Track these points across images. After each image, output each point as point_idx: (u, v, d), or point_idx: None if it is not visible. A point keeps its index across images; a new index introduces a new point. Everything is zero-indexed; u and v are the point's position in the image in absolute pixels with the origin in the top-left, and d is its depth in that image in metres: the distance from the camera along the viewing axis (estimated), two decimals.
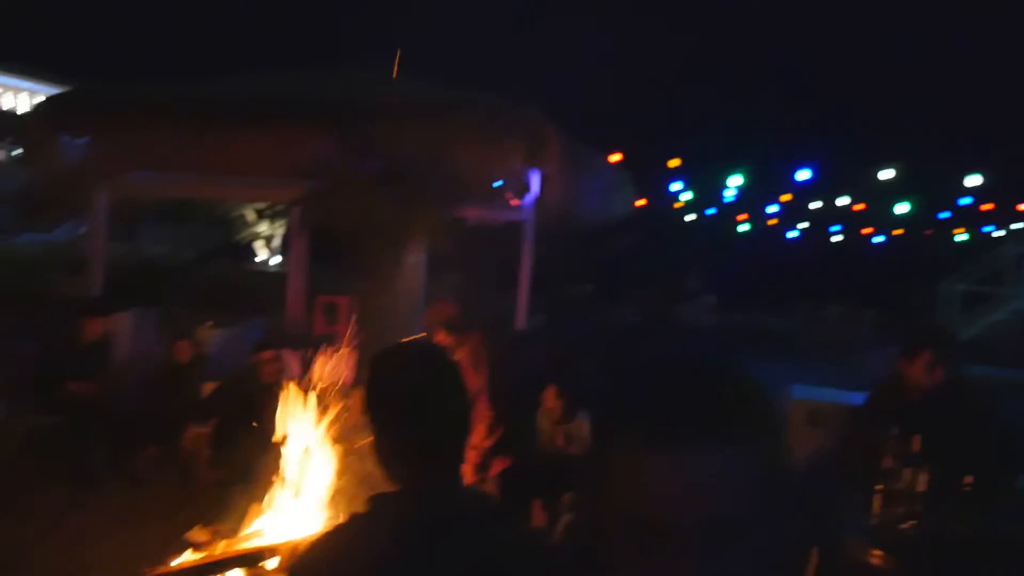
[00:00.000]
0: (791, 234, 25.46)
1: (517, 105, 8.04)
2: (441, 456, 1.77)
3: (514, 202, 8.17)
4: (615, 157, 11.26)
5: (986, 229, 24.31)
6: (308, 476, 3.95)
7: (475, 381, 4.66)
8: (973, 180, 19.86)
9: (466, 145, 7.64)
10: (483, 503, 1.90)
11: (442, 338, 4.99)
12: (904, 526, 3.58)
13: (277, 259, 22.77)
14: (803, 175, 18.33)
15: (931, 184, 20.74)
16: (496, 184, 8.08)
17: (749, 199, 21.20)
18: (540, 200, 8.55)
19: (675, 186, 18.67)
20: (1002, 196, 20.91)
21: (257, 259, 23.38)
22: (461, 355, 4.95)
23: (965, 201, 21.18)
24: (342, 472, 3.90)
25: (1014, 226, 24.26)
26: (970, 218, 22.71)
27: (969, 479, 3.79)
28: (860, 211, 22.35)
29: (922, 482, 3.80)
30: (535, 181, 8.42)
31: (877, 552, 3.31)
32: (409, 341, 1.97)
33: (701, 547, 0.83)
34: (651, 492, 0.84)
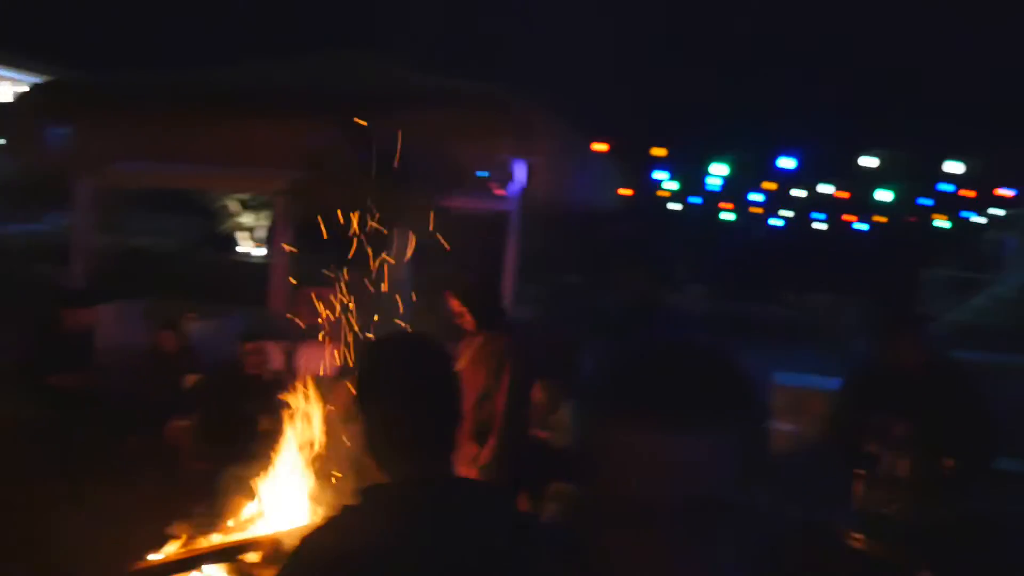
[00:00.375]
0: (775, 222, 25.59)
1: (504, 93, 8.02)
2: (434, 446, 1.77)
3: (499, 192, 8.16)
4: (602, 146, 11.27)
5: (967, 215, 24.54)
6: (294, 468, 3.96)
7: (485, 376, 4.51)
8: (953, 167, 20.03)
9: (452, 134, 7.62)
10: (477, 492, 1.90)
11: (457, 308, 4.77)
12: (886, 510, 3.63)
13: (262, 250, 22.71)
14: (787, 163, 18.42)
15: (913, 171, 20.89)
16: (481, 174, 8.07)
17: (734, 188, 21.30)
18: (527, 189, 8.54)
19: (660, 175, 18.74)
20: (982, 183, 21.09)
21: (241, 250, 23.31)
22: (476, 343, 4.71)
23: (946, 188, 21.36)
24: (329, 465, 3.91)
25: (993, 212, 24.49)
26: (952, 205, 22.90)
27: (951, 462, 3.84)
28: (844, 199, 22.51)
29: (904, 466, 3.85)
30: (522, 170, 8.41)
31: (859, 536, 3.36)
32: (402, 331, 1.99)
33: (687, 527, 0.85)
34: (639, 472, 0.86)
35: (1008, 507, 4.20)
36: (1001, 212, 24.59)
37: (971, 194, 21.73)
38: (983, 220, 25.11)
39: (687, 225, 23.57)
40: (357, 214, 6.69)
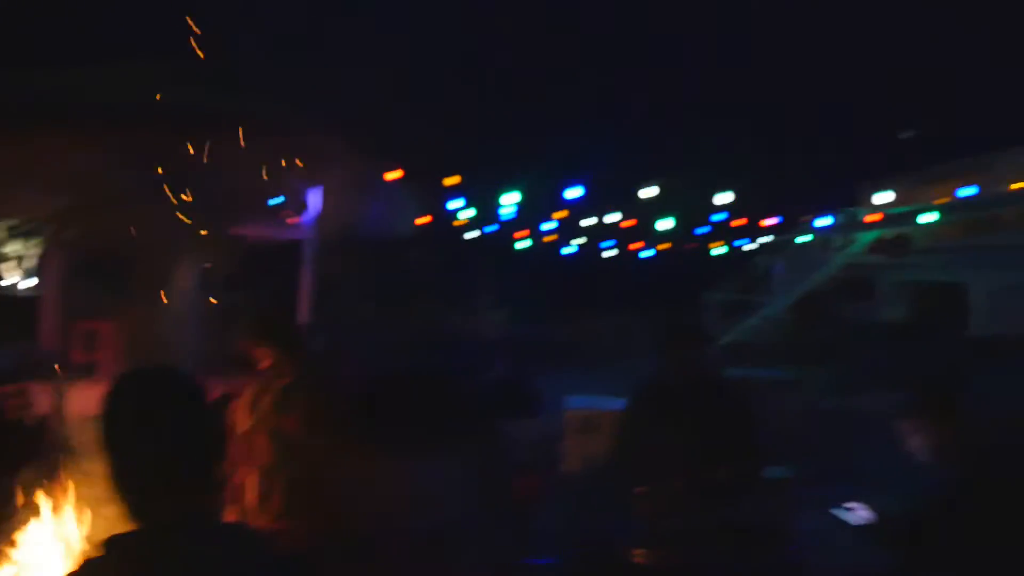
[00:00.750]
0: (568, 250, 26.59)
1: (295, 120, 7.85)
2: (185, 487, 1.65)
3: (292, 220, 7.98)
4: (396, 174, 11.27)
5: (740, 243, 26.61)
6: (51, 522, 3.62)
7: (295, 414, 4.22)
8: (724, 197, 21.73)
9: (242, 159, 7.35)
10: (236, 536, 1.75)
11: (261, 353, 4.43)
12: (665, 522, 3.82)
13: (31, 281, 20.88)
14: (574, 193, 19.28)
15: (689, 201, 22.45)
16: (274, 201, 7.86)
17: (527, 216, 21.97)
18: (322, 217, 8.39)
19: (456, 203, 18.99)
20: (751, 212, 22.97)
21: (6, 281, 21.33)
22: (272, 379, 4.39)
23: (719, 217, 23.08)
24: (92, 516, 3.60)
25: (763, 239, 26.71)
26: (726, 233, 24.75)
27: (725, 472, 4.11)
28: (629, 227, 23.80)
29: (682, 479, 4.07)
30: (316, 199, 8.26)
31: (639, 551, 3.50)
32: (148, 366, 1.82)
33: (420, 557, 0.85)
34: (371, 503, 0.86)
35: (775, 513, 4.54)
36: (770, 238, 26.84)
37: (742, 222, 23.58)
38: (755, 246, 27.30)
39: (484, 253, 24.00)
40: (138, 242, 6.29)
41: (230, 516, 3.80)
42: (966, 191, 21.44)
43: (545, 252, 25.79)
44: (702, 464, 4.02)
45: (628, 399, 4.80)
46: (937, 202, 22.81)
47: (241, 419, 4.21)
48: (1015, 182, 21.08)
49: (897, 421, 2.90)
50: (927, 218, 22.76)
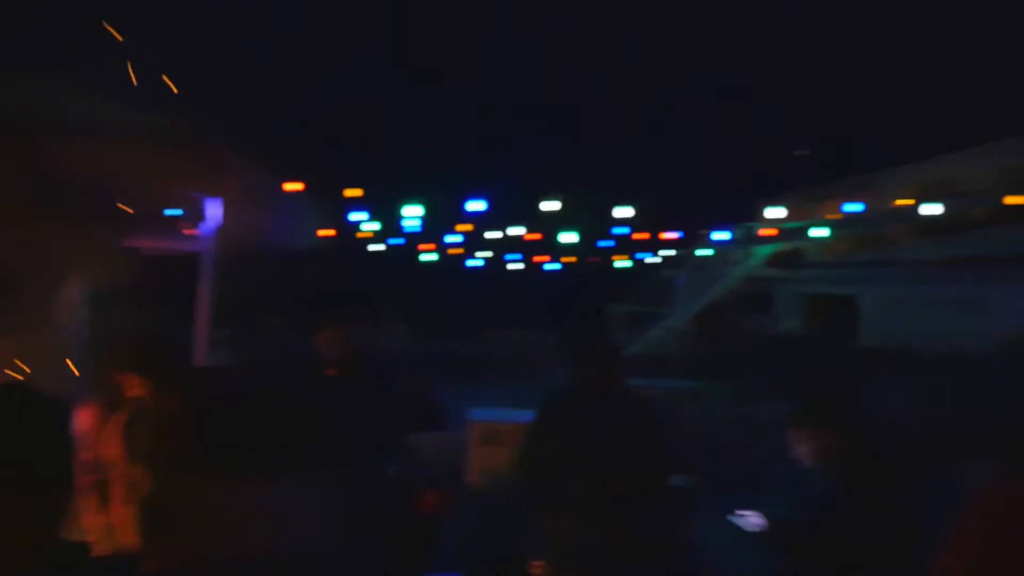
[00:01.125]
0: (473, 263, 26.60)
1: (190, 127, 7.61)
2: (22, 511, 1.56)
3: (189, 231, 7.72)
4: (296, 186, 11.08)
5: (643, 256, 27.09)
6: None
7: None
8: (623, 211, 22.14)
9: (135, 168, 7.09)
10: (79, 556, 1.70)
11: (130, 382, 4.22)
12: (568, 535, 3.83)
13: None
14: (476, 206, 19.34)
15: (592, 215, 22.78)
16: (170, 212, 7.59)
17: (432, 229, 21.90)
18: (222, 229, 8.15)
19: (359, 216, 18.79)
20: (653, 226, 23.46)
21: None
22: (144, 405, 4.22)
23: (622, 231, 23.49)
24: None
25: (665, 252, 27.28)
26: (628, 246, 25.19)
27: (629, 484, 4.15)
28: (534, 241, 23.98)
29: (587, 489, 4.10)
30: (215, 209, 8.02)
31: (539, 563, 3.49)
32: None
33: None
34: (231, 527, 0.83)
35: (676, 523, 4.60)
36: (672, 252, 27.43)
37: (645, 236, 24.03)
38: (657, 260, 27.85)
39: (390, 266, 23.81)
40: (21, 253, 6.00)
41: (92, 540, 3.64)
42: (852, 207, 22.41)
43: (451, 265, 25.75)
44: (606, 476, 4.04)
45: (534, 411, 4.81)
46: (828, 218, 23.75)
47: (106, 444, 4.04)
48: (899, 199, 22.15)
49: (787, 430, 2.98)
50: (819, 233, 23.66)
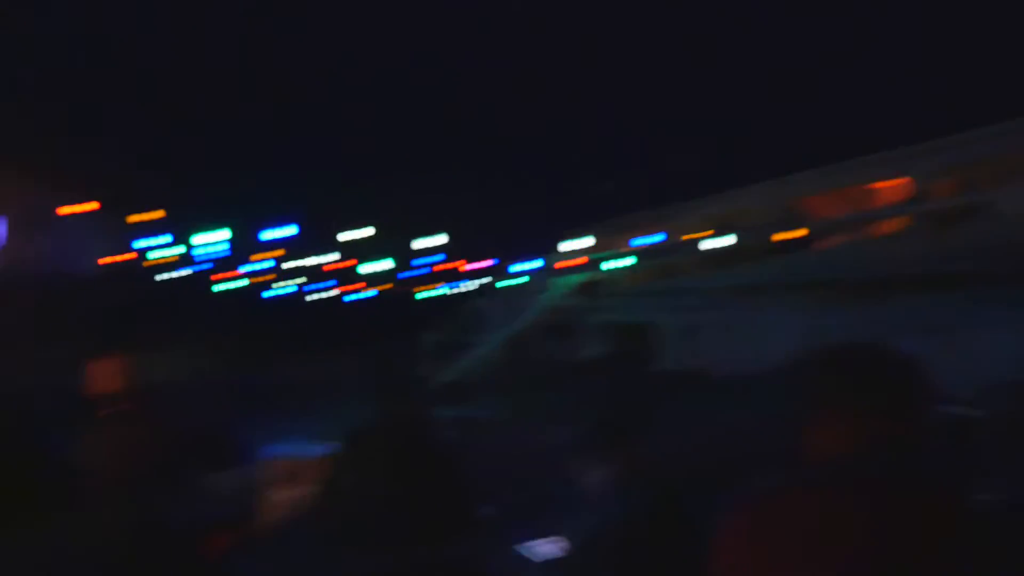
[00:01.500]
0: (279, 291, 25.84)
1: None
2: None
3: None
4: (89, 206, 10.33)
5: (453, 285, 27.32)
6: None
7: None
8: (433, 240, 22.33)
9: None
10: None
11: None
12: (364, 569, 3.68)
13: None
14: (284, 233, 18.84)
15: (402, 244, 22.80)
16: None
17: (235, 256, 21.11)
18: (2, 250, 7.44)
19: (157, 241, 17.81)
20: (463, 255, 23.77)
21: None
22: None
23: (432, 260, 23.63)
24: None
25: (475, 282, 27.63)
26: (436, 276, 25.35)
27: (431, 516, 4.05)
28: (343, 269, 23.63)
29: (388, 525, 3.97)
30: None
31: None
32: None
33: None
34: None
35: (476, 553, 4.56)
36: (481, 281, 27.81)
37: (455, 265, 24.26)
38: (467, 289, 28.15)
39: (188, 292, 22.65)
40: None
41: None
42: (645, 240, 23.69)
43: (255, 294, 24.85)
44: (406, 510, 3.93)
45: (334, 445, 4.63)
46: (629, 249, 24.91)
47: None
48: (690, 233, 23.57)
49: (581, 455, 2.99)
50: (620, 263, 24.74)
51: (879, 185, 20.88)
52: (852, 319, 9.00)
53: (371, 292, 26.91)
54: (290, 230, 18.95)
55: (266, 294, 25.67)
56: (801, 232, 19.76)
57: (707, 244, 21.84)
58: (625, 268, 25.10)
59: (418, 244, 22.26)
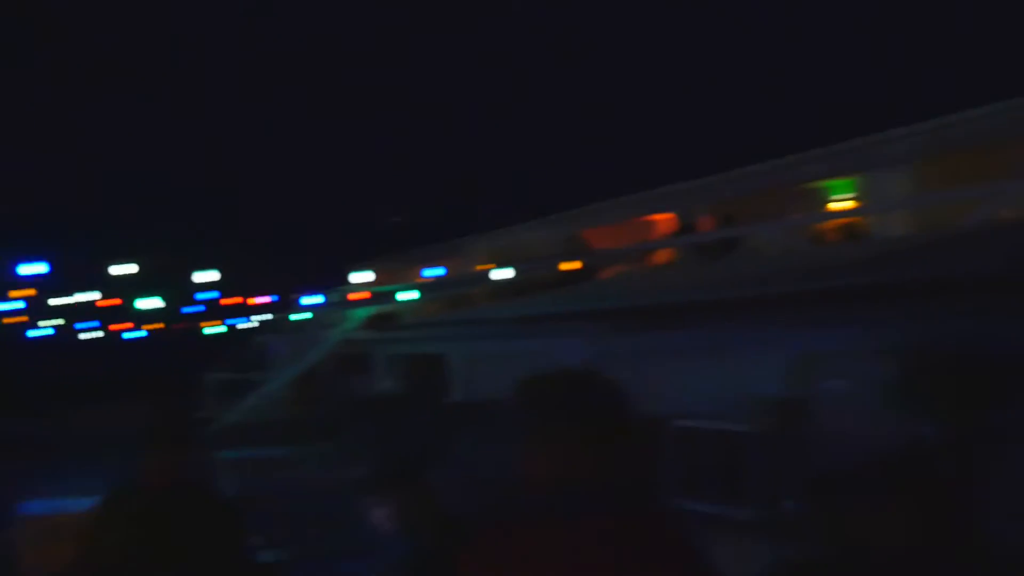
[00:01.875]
0: (37, 332, 23.74)
1: None
2: None
3: None
4: None
5: (236, 321, 26.19)
6: None
7: None
8: (208, 275, 21.34)
9: None
10: None
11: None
12: None
13: None
14: (37, 269, 17.36)
15: (176, 280, 21.67)
16: None
17: None
18: None
19: None
20: (244, 290, 22.91)
21: None
22: None
23: (210, 295, 22.58)
24: None
25: (260, 317, 26.67)
26: (218, 311, 24.25)
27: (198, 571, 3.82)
28: (111, 307, 22.05)
29: None
30: None
31: None
32: None
33: None
34: None
35: None
36: (266, 317, 26.86)
37: (235, 300, 23.29)
38: (251, 325, 27.11)
39: None
40: None
41: None
42: (432, 272, 24.06)
43: (9, 335, 22.66)
44: (172, 566, 3.70)
45: (97, 502, 4.30)
46: (417, 281, 25.02)
47: None
48: (479, 264, 24.09)
49: (368, 493, 2.95)
50: (409, 296, 24.78)
51: (651, 218, 22.28)
52: (629, 344, 9.49)
53: (148, 330, 25.36)
54: (42, 267, 17.43)
55: (25, 335, 23.56)
56: (582, 263, 20.67)
57: (496, 275, 22.41)
58: (414, 300, 25.23)
59: (195, 278, 21.18)
